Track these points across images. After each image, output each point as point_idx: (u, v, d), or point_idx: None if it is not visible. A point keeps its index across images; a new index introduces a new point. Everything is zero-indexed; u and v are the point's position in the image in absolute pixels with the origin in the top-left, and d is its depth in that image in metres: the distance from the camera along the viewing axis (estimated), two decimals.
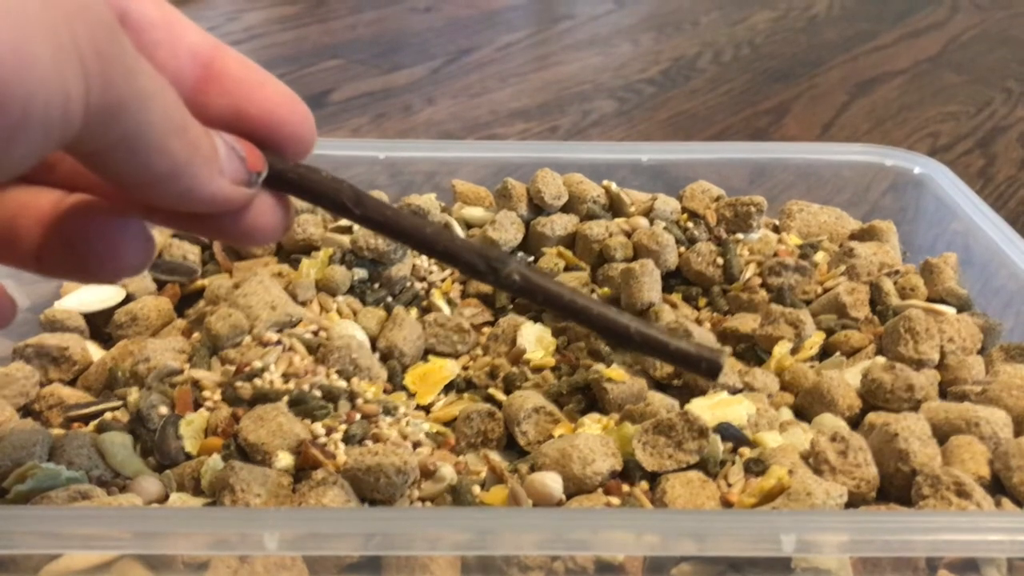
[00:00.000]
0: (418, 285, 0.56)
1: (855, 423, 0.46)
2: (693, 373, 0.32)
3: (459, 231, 0.58)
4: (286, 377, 0.46)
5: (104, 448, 0.42)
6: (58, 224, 0.29)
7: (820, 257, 0.57)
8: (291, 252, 0.57)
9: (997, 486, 0.40)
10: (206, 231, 0.30)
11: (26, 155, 0.22)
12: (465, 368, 0.51)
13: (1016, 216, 0.77)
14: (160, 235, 0.59)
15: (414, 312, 0.54)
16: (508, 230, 0.57)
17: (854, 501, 0.40)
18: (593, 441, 0.41)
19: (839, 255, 0.56)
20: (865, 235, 0.60)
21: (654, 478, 0.41)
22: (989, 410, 0.43)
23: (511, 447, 0.45)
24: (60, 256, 0.29)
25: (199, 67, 0.29)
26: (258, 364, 0.46)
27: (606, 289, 0.55)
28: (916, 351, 0.48)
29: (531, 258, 0.58)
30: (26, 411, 0.47)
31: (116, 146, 0.24)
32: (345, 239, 0.55)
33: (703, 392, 0.45)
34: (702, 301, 0.55)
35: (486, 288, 0.56)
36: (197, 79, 0.29)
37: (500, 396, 0.48)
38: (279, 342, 0.48)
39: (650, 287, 0.52)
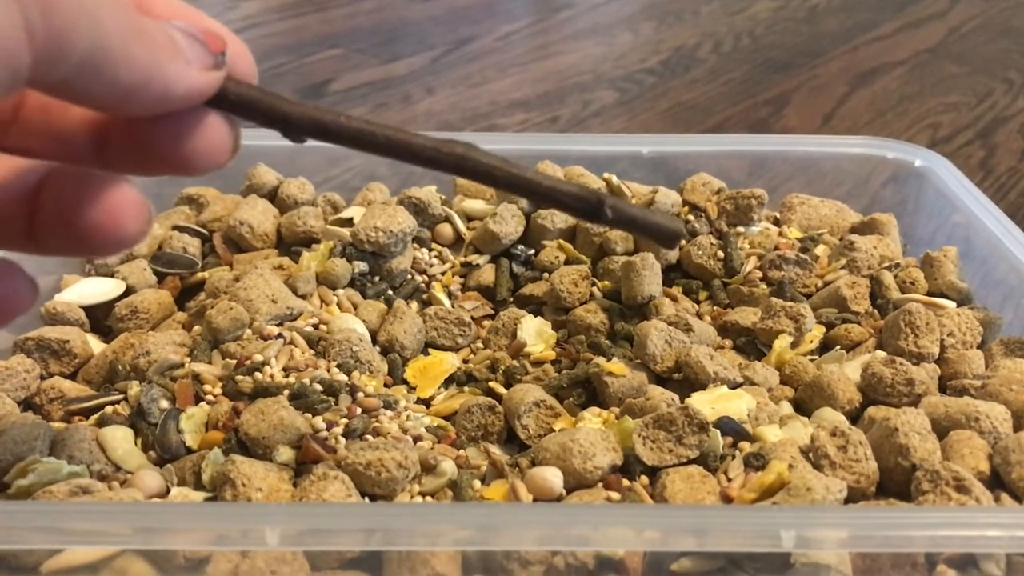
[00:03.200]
0: (418, 278, 0.56)
1: (855, 417, 0.46)
2: (655, 242, 0.32)
3: (460, 224, 0.58)
4: (287, 371, 0.46)
5: (105, 442, 0.42)
6: (48, 196, 0.28)
7: (820, 250, 0.57)
8: (292, 245, 0.57)
9: (996, 481, 0.40)
10: (157, 163, 0.28)
11: None
12: (465, 361, 0.51)
13: (1016, 208, 0.77)
14: (160, 228, 0.59)
15: (414, 305, 0.54)
16: (509, 223, 0.57)
17: (853, 496, 0.40)
18: (593, 435, 0.41)
19: (839, 248, 0.56)
20: (866, 228, 0.60)
21: (654, 472, 0.41)
22: (989, 405, 0.43)
23: (511, 441, 0.45)
24: (55, 231, 0.28)
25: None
26: (259, 358, 0.46)
27: (606, 282, 0.55)
28: (916, 345, 0.48)
29: (532, 251, 0.57)
30: (27, 404, 0.47)
31: (79, 69, 0.23)
32: (346, 232, 0.55)
33: (703, 386, 0.45)
34: (703, 294, 0.55)
35: (487, 281, 0.56)
36: None
37: (500, 390, 0.48)
38: (280, 335, 0.48)
39: (650, 280, 0.52)
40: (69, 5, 0.22)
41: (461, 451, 0.44)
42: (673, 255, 0.56)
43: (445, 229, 0.58)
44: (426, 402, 0.48)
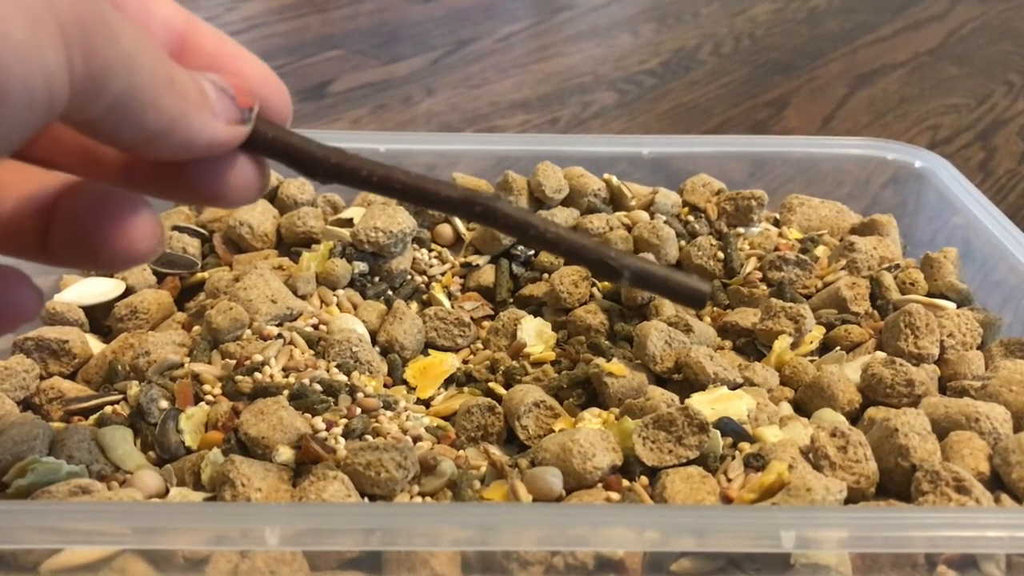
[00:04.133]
0: (418, 279, 0.56)
1: (855, 418, 0.46)
2: (678, 302, 0.33)
3: (459, 224, 0.58)
4: (286, 371, 0.46)
5: (104, 442, 0.42)
6: (66, 210, 0.28)
7: (820, 251, 0.57)
8: (291, 245, 0.57)
9: (996, 482, 0.40)
10: (185, 194, 0.29)
11: (12, 130, 0.22)
12: (465, 362, 0.51)
13: (1016, 210, 0.77)
14: None
15: (414, 306, 0.54)
16: None
17: (853, 496, 0.40)
18: (593, 436, 0.41)
19: (839, 249, 0.56)
20: (865, 229, 0.60)
21: (654, 473, 0.41)
22: (989, 406, 0.43)
23: (511, 441, 0.45)
24: (69, 245, 0.28)
25: (174, 40, 0.29)
26: (258, 358, 0.46)
27: (606, 283, 0.55)
28: (916, 346, 0.48)
29: (531, 252, 0.57)
30: (26, 404, 0.47)
31: (110, 110, 0.24)
32: (345, 232, 0.55)
33: (703, 387, 0.45)
34: None
35: (487, 282, 0.56)
36: (172, 52, 0.29)
37: (500, 390, 0.48)
38: (279, 336, 0.48)
39: None
40: (110, 50, 0.23)
41: (461, 451, 0.44)
42: (673, 256, 0.56)
43: (445, 229, 0.58)
44: (426, 402, 0.48)
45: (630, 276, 0.30)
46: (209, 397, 0.45)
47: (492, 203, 0.30)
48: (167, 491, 0.41)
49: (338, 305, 0.52)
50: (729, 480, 0.40)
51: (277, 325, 0.49)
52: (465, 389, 0.49)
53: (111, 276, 0.55)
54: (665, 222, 0.56)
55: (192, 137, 0.26)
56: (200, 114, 0.26)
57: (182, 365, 0.47)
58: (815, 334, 0.51)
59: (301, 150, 0.29)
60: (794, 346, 0.50)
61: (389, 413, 0.45)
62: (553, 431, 0.44)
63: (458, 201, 0.30)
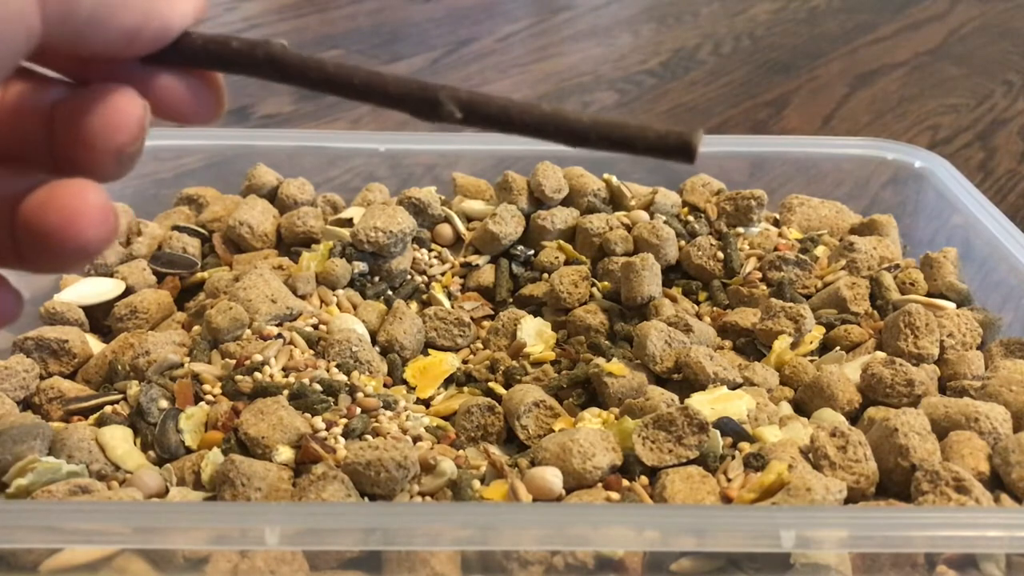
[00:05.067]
0: (418, 279, 0.56)
1: (854, 418, 0.46)
2: (665, 158, 0.30)
3: (459, 224, 0.58)
4: (286, 371, 0.46)
5: (104, 442, 0.42)
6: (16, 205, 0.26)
7: (820, 251, 0.57)
8: (291, 245, 0.57)
9: (996, 482, 0.40)
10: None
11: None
12: (465, 362, 0.51)
13: (1016, 210, 0.77)
14: (160, 228, 0.59)
15: (414, 306, 0.54)
16: (508, 223, 0.57)
17: (853, 496, 0.40)
18: (593, 436, 0.41)
19: (839, 249, 0.56)
20: (865, 229, 0.60)
21: (654, 473, 0.41)
22: (988, 405, 0.43)
23: (511, 441, 0.45)
24: (26, 243, 0.26)
25: None
26: (258, 358, 0.46)
27: (606, 283, 0.55)
28: (916, 346, 0.48)
29: (531, 251, 0.57)
30: (26, 404, 0.47)
31: (88, 23, 0.25)
32: (345, 232, 0.55)
33: (703, 387, 0.45)
34: (702, 295, 0.55)
35: (487, 282, 0.56)
36: None
37: (500, 390, 0.48)
38: (279, 335, 0.48)
39: (650, 281, 0.52)
40: None
41: (460, 451, 0.44)
42: (673, 256, 0.56)
43: (445, 229, 0.58)
44: (426, 402, 0.48)
45: (595, 137, 0.28)
46: (209, 397, 0.45)
47: (444, 90, 0.28)
48: (167, 491, 0.41)
49: (338, 305, 0.52)
50: (729, 480, 0.40)
51: (277, 325, 0.49)
52: (465, 389, 0.49)
53: (111, 275, 0.55)
54: (665, 222, 0.56)
55: (166, 20, 0.27)
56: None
57: (182, 365, 0.47)
58: (815, 334, 0.51)
59: (239, 48, 0.28)
60: (794, 346, 0.50)
61: (389, 413, 0.45)
62: (553, 431, 0.44)
63: (412, 91, 0.28)
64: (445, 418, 0.46)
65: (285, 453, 0.41)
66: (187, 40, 0.28)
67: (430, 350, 0.52)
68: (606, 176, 0.60)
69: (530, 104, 0.28)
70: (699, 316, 0.53)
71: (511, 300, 0.55)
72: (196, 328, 0.49)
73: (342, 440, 0.42)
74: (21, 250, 0.27)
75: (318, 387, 0.44)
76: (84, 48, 0.26)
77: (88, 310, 0.53)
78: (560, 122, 0.28)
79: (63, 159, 0.28)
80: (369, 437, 0.43)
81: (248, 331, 0.48)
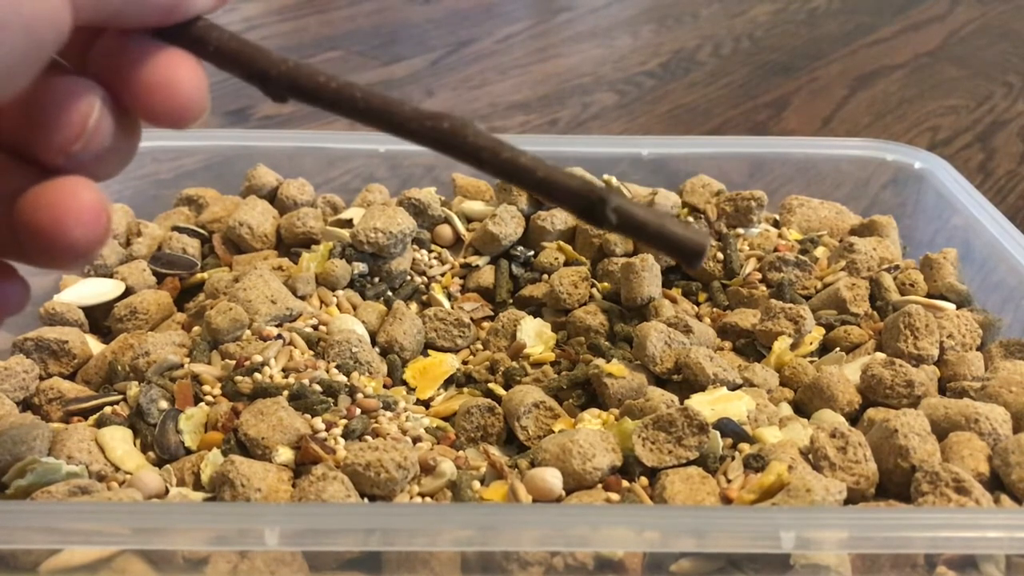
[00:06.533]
0: (418, 279, 0.56)
1: (854, 419, 0.46)
2: (675, 258, 0.28)
3: (459, 225, 0.58)
4: (286, 371, 0.46)
5: (104, 442, 0.42)
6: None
7: (820, 252, 0.57)
8: (291, 246, 0.57)
9: (996, 482, 0.40)
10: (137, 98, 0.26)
11: (25, 63, 0.23)
12: (465, 363, 0.51)
13: (1016, 211, 0.77)
14: (160, 228, 0.59)
15: (414, 306, 0.54)
16: (508, 224, 0.57)
17: (853, 497, 0.40)
18: (593, 436, 0.41)
19: (839, 250, 0.56)
20: (865, 230, 0.60)
21: (654, 474, 0.41)
22: (988, 406, 0.43)
23: (511, 442, 0.45)
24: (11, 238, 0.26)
25: None
26: (258, 358, 0.46)
27: (606, 284, 0.55)
28: (915, 347, 0.48)
29: (531, 252, 0.57)
30: (26, 405, 0.47)
31: (125, 3, 0.24)
32: (345, 233, 0.55)
33: (703, 388, 0.45)
34: (702, 296, 0.55)
35: (486, 283, 0.56)
36: None
37: (500, 391, 0.48)
38: (279, 336, 0.48)
39: (650, 282, 0.52)
40: None
41: (460, 452, 0.44)
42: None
43: (444, 230, 0.58)
44: (425, 403, 0.48)
45: (617, 219, 0.25)
46: (209, 398, 0.45)
47: (453, 128, 0.26)
48: (167, 491, 0.41)
49: (338, 306, 0.52)
50: (729, 481, 0.40)
51: (277, 326, 0.49)
52: (465, 390, 0.49)
53: (110, 276, 0.55)
54: None
55: None
56: None
57: (182, 365, 0.47)
58: (815, 335, 0.51)
59: (252, 54, 0.26)
60: (794, 347, 0.50)
61: (389, 414, 0.45)
62: (553, 432, 0.44)
63: (415, 122, 0.26)
64: (445, 419, 0.46)
65: (285, 454, 0.41)
66: (203, 26, 0.27)
67: (430, 351, 0.52)
68: (606, 177, 0.60)
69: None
70: (699, 317, 0.53)
71: (511, 301, 0.55)
72: (196, 329, 0.49)
73: (342, 441, 0.42)
74: (21, 245, 0.27)
75: (318, 388, 0.44)
76: (120, 25, 0.25)
77: (88, 311, 0.53)
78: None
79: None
80: (369, 438, 0.42)
81: (248, 332, 0.48)
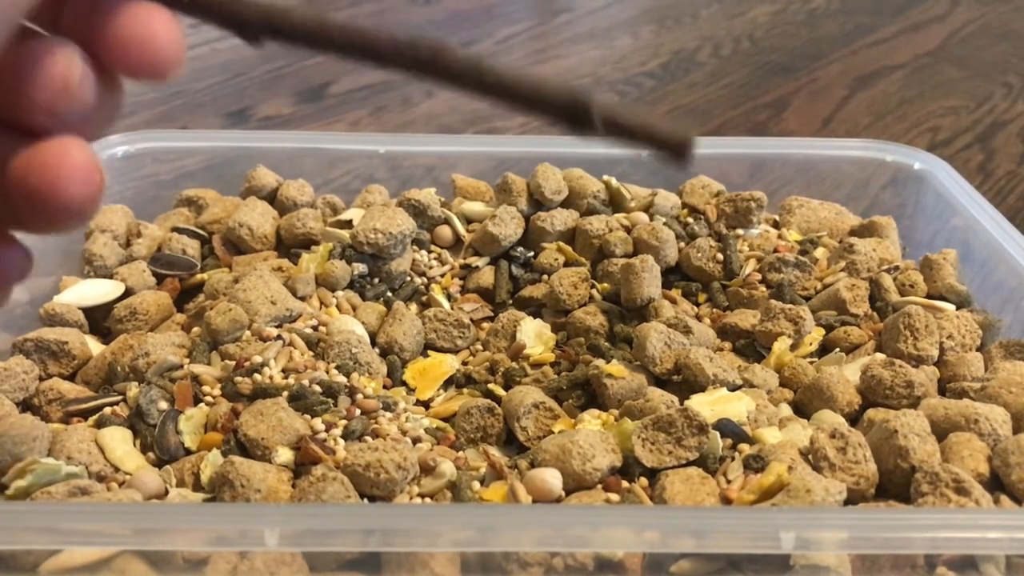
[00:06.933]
0: (418, 280, 0.56)
1: (854, 419, 0.46)
2: (659, 154, 0.28)
3: (459, 226, 0.58)
4: (286, 372, 0.46)
5: (104, 443, 0.42)
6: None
7: (820, 253, 0.57)
8: (291, 247, 0.57)
9: (996, 483, 0.40)
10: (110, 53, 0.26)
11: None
12: (465, 363, 0.51)
13: (1015, 212, 0.77)
14: (159, 229, 0.59)
15: (414, 307, 0.54)
16: (508, 225, 0.57)
17: (853, 498, 0.40)
18: (593, 437, 0.41)
19: (839, 251, 0.56)
20: (865, 231, 0.60)
21: (653, 474, 0.41)
22: (988, 407, 0.43)
23: (510, 443, 0.45)
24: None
25: None
26: (258, 359, 0.46)
27: (606, 285, 0.55)
28: (915, 347, 0.48)
29: (531, 253, 0.57)
30: (25, 405, 0.47)
31: None
32: (345, 234, 0.55)
33: (703, 388, 0.45)
34: (702, 297, 0.55)
35: (486, 283, 0.56)
36: None
37: (500, 391, 0.48)
38: (279, 337, 0.48)
39: (650, 283, 0.52)
40: None
41: (460, 453, 0.44)
42: (672, 258, 0.56)
43: (444, 231, 0.58)
44: (425, 404, 0.48)
45: (603, 125, 0.25)
46: (208, 398, 0.45)
47: (440, 49, 0.25)
48: (166, 492, 0.41)
49: (337, 306, 0.52)
50: (729, 481, 0.40)
51: (276, 326, 0.49)
52: (464, 390, 0.49)
53: (110, 277, 0.55)
54: (664, 224, 0.56)
55: None
56: None
57: (181, 366, 0.47)
58: (814, 336, 0.51)
59: (224, 4, 0.26)
60: (793, 348, 0.50)
61: (388, 414, 0.45)
62: (552, 432, 0.44)
63: (402, 50, 0.26)
64: (445, 419, 0.46)
65: (285, 454, 0.41)
66: None
67: (430, 352, 0.52)
68: (606, 178, 0.60)
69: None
70: (699, 318, 0.53)
71: (511, 302, 0.55)
72: (196, 330, 0.49)
73: (341, 441, 0.42)
74: (16, 212, 0.26)
75: (318, 388, 0.44)
76: None
77: (88, 311, 0.53)
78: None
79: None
80: (369, 439, 0.42)
81: (248, 332, 0.48)
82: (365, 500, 0.39)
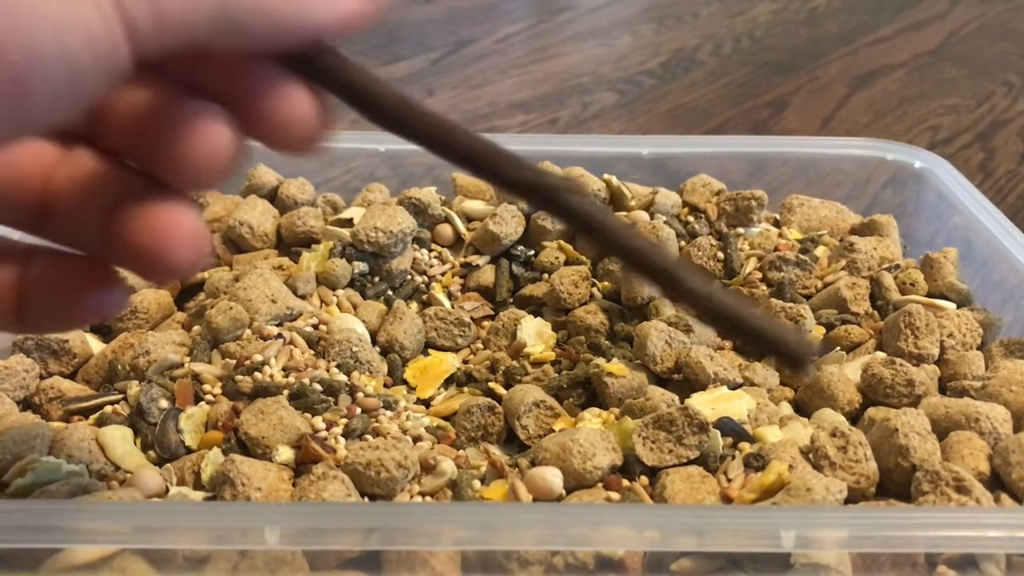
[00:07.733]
0: (418, 279, 0.56)
1: (855, 418, 0.46)
2: (777, 360, 0.29)
3: (459, 224, 0.58)
4: (286, 371, 0.46)
5: (104, 442, 0.42)
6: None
7: (820, 252, 0.57)
8: (291, 245, 0.57)
9: (996, 482, 0.40)
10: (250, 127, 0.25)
11: (55, 103, 0.21)
12: (465, 362, 0.51)
13: (1016, 210, 0.77)
14: None
15: (414, 306, 0.54)
16: (509, 223, 0.57)
17: (853, 496, 0.40)
18: (593, 436, 0.41)
19: (839, 250, 0.56)
20: (865, 230, 0.60)
21: (654, 473, 0.41)
22: (989, 406, 0.43)
23: (511, 441, 0.45)
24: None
25: None
26: (258, 358, 0.45)
27: (606, 283, 0.55)
28: (916, 346, 0.48)
29: (531, 252, 0.57)
30: (26, 404, 0.47)
31: (217, 28, 0.22)
32: (345, 232, 0.55)
33: (703, 387, 0.45)
34: None
35: (487, 282, 0.56)
36: None
37: (500, 390, 0.48)
38: (279, 335, 0.48)
39: None
40: None
41: (461, 451, 0.44)
42: (673, 256, 0.56)
43: (445, 230, 0.58)
44: (426, 402, 0.48)
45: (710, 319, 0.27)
46: (209, 397, 0.45)
47: (561, 194, 0.25)
48: (167, 491, 0.41)
49: (338, 305, 0.52)
50: (729, 480, 0.40)
51: (277, 325, 0.49)
52: (465, 389, 0.49)
53: None
54: (665, 222, 0.56)
55: (323, 11, 0.24)
56: None
57: (182, 365, 0.47)
58: (815, 334, 0.51)
59: (366, 86, 0.25)
60: None
61: (389, 413, 0.45)
62: (553, 431, 0.44)
63: (523, 185, 0.25)
64: (445, 418, 0.46)
65: (285, 453, 0.41)
66: (327, 53, 0.25)
67: (430, 350, 0.52)
68: (606, 177, 0.60)
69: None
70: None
71: (511, 300, 0.55)
72: (196, 328, 0.49)
73: (342, 440, 0.42)
74: (113, 253, 0.26)
75: (318, 387, 0.44)
76: (222, 48, 0.23)
77: None
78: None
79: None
80: (369, 437, 0.43)
81: (248, 331, 0.48)
82: (366, 499, 0.39)
